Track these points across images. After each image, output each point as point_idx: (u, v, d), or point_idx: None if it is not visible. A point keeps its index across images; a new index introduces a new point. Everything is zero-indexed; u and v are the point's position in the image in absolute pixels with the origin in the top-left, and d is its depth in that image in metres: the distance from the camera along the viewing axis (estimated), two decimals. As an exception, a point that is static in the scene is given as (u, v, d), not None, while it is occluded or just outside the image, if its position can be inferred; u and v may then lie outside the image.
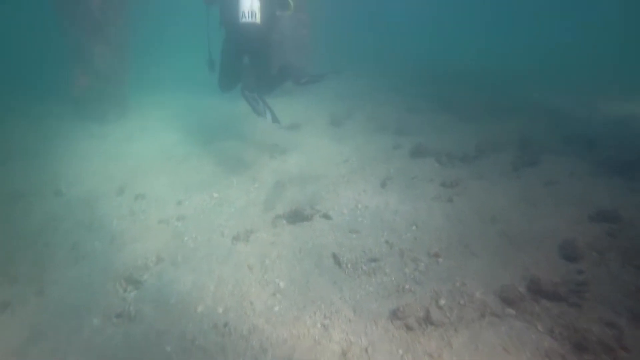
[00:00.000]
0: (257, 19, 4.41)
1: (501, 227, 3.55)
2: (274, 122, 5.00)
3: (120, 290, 3.34)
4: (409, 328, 2.61)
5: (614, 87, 9.10)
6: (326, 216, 3.95)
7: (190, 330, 2.83)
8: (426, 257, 3.27)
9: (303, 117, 6.83)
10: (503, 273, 3.00)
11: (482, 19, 20.75)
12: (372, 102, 7.49)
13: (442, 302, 2.77)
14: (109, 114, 7.40)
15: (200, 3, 4.95)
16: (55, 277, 3.61)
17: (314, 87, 5.06)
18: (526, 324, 2.53)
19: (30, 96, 8.53)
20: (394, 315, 2.71)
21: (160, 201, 4.65)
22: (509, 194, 4.07)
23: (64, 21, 6.71)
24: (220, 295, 3.11)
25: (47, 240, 4.14)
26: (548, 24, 19.56)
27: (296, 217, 3.96)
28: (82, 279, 3.53)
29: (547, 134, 5.78)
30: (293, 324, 2.77)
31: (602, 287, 2.76)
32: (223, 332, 2.78)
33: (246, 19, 4.40)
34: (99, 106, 7.26)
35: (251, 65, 4.84)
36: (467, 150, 5.08)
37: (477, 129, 6.07)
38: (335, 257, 3.37)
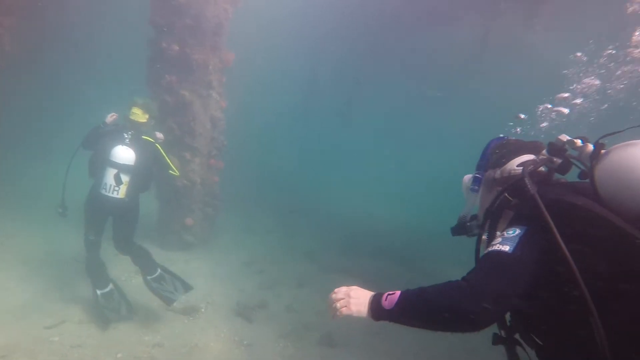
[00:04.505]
0: (120, 193, 4.26)
1: None
2: (187, 290, 4.96)
3: None
4: None
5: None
6: None
7: None
8: None
9: (204, 294, 5.62)
10: None
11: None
12: (290, 280, 6.52)
13: None
14: None
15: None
16: None
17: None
18: None
19: None
20: None
21: None
22: None
23: None
24: None
25: None
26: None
27: None
28: None
29: None
30: None
31: None
32: None
33: (105, 192, 4.25)
34: None
35: (113, 227, 4.60)
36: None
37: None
38: None
